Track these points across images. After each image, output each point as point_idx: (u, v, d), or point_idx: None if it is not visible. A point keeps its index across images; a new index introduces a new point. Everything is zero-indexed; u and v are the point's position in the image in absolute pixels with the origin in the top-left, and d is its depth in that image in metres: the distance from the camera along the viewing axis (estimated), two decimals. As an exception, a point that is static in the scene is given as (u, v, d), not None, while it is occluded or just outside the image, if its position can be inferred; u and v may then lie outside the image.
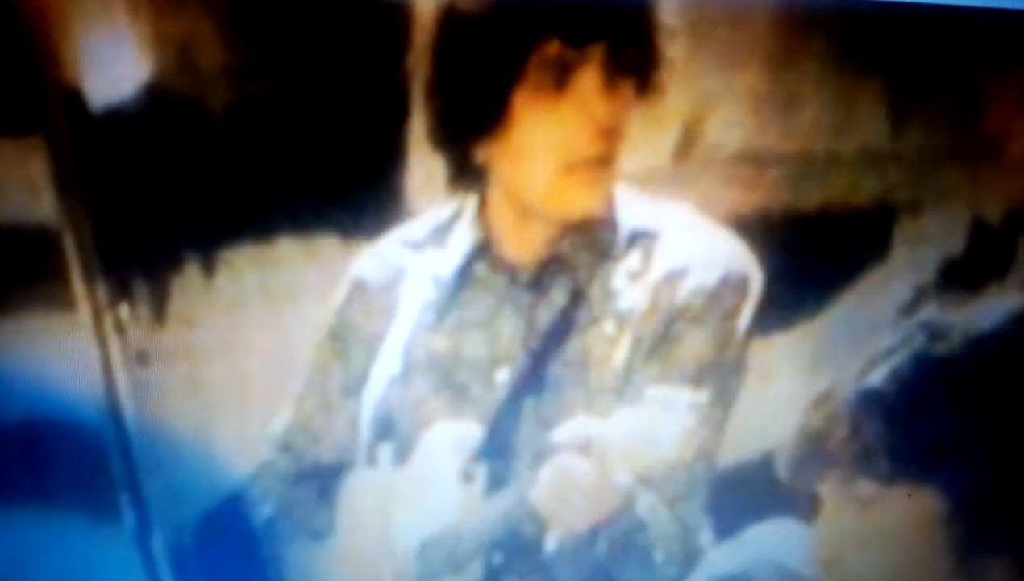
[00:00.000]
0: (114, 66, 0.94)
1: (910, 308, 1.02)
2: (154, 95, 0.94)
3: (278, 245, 0.98)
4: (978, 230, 1.00)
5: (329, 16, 0.93)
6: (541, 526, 1.06)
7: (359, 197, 0.97)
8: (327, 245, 0.99)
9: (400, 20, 0.93)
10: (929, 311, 1.02)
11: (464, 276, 1.00)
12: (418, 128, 0.95)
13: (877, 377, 1.03)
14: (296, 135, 0.96)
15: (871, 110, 0.97)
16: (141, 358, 1.01)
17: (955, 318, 1.02)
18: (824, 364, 1.03)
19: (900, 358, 1.03)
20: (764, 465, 1.05)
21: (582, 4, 0.93)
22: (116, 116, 0.94)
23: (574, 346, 1.01)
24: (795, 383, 1.03)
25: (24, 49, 0.93)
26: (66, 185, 0.96)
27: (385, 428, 1.03)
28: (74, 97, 0.94)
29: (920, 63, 0.96)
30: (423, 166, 0.97)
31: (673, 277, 0.99)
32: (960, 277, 1.01)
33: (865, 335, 1.02)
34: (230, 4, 0.93)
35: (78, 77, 0.93)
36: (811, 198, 0.99)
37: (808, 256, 1.00)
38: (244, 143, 0.96)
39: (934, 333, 1.02)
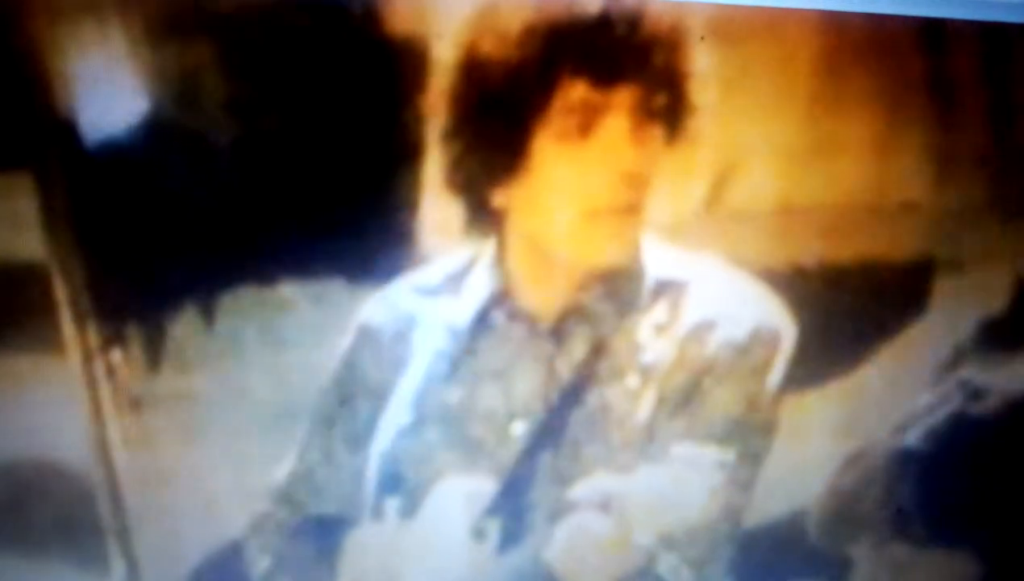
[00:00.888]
0: (109, 98, 0.90)
1: (948, 366, 0.99)
2: (152, 129, 0.91)
3: (281, 289, 0.95)
4: (1020, 288, 0.98)
5: (342, 54, 0.90)
6: (556, 587, 1.03)
7: (368, 240, 0.94)
8: (333, 290, 0.95)
9: (416, 62, 0.90)
10: (968, 370, 1.00)
11: (480, 325, 0.97)
12: (433, 170, 0.92)
13: (912, 437, 1.01)
14: (303, 174, 0.92)
15: (912, 161, 0.95)
16: (134, 404, 0.97)
17: (994, 378, 1.00)
18: (858, 422, 1.01)
19: (937, 418, 1.00)
20: (793, 526, 1.03)
21: (610, 47, 0.90)
22: (111, 150, 0.91)
23: (595, 400, 0.98)
24: (827, 441, 1.01)
25: (11, 78, 0.89)
26: (56, 222, 0.93)
27: (393, 481, 1.00)
28: (66, 130, 0.90)
29: (964, 114, 0.94)
30: (438, 210, 0.94)
31: (701, 330, 0.97)
32: (1000, 336, 0.99)
33: (901, 393, 1.00)
34: (236, 36, 0.89)
35: (70, 109, 0.90)
36: (848, 251, 0.96)
37: (843, 311, 0.98)
38: (248, 181, 0.92)
39: (972, 393, 1.00)
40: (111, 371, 0.96)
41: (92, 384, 0.97)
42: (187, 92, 0.91)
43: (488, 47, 0.90)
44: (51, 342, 0.95)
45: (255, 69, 0.90)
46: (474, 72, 0.90)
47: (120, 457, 0.98)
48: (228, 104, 0.91)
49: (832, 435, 1.01)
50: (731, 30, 0.91)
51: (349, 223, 0.94)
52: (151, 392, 0.97)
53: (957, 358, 0.99)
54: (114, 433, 0.98)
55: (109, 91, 0.90)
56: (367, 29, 0.89)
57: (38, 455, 0.98)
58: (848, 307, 0.98)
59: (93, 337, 0.95)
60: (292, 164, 0.92)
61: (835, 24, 0.91)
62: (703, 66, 0.91)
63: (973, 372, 0.99)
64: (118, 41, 0.89)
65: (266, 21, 0.89)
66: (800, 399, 0.99)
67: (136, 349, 0.96)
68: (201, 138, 0.91)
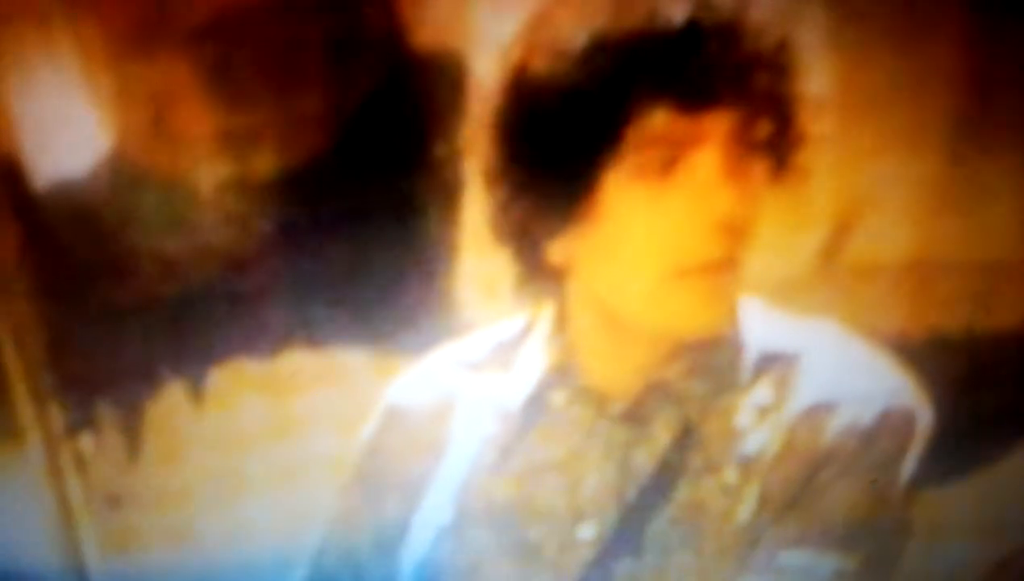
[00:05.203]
0: (63, 131, 0.81)
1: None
2: (117, 168, 0.81)
3: (288, 362, 0.86)
4: None
5: (356, 73, 0.79)
6: None
7: (396, 304, 0.84)
8: (354, 363, 0.86)
9: (451, 83, 0.78)
10: None
11: (536, 406, 0.84)
12: (474, 218, 0.82)
13: (1068, 539, 0.93)
14: (312, 222, 0.82)
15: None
16: (110, 501, 0.90)
17: None
18: (1005, 523, 0.90)
19: (1096, 517, 0.92)
20: (929, 645, 0.94)
21: (699, 64, 0.74)
22: (67, 195, 0.82)
23: (683, 498, 0.85)
24: (970, 544, 0.91)
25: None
26: (4, 282, 0.85)
27: (431, 593, 0.90)
28: (11, 171, 0.82)
29: None
30: (481, 266, 0.84)
31: (816, 413, 0.83)
32: None
33: (1056, 489, 0.92)
34: (223, 53, 0.79)
35: (15, 146, 0.81)
36: (999, 318, 0.85)
37: (991, 390, 0.87)
38: (240, 231, 0.83)
39: None
40: (81, 462, 0.89)
41: (58, 477, 0.89)
42: (161, 122, 0.80)
43: (543, 64, 0.75)
44: (5, 427, 0.88)
45: (248, 94, 0.79)
46: (525, 95, 0.76)
47: (95, 565, 0.90)
48: (213, 136, 0.80)
49: (974, 538, 0.91)
50: (854, 42, 0.77)
51: (372, 283, 0.84)
52: (131, 486, 0.89)
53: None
54: (88, 536, 0.90)
55: (63, 122, 0.80)
56: (389, 42, 0.77)
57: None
58: (996, 385, 0.87)
59: (57, 420, 0.88)
60: (296, 210, 0.82)
61: (985, 33, 0.78)
62: (818, 87, 0.77)
63: None
64: (69, 57, 0.79)
65: (256, 34, 0.77)
66: (937, 495, 0.88)
67: (110, 435, 0.88)
68: (180, 178, 0.82)
